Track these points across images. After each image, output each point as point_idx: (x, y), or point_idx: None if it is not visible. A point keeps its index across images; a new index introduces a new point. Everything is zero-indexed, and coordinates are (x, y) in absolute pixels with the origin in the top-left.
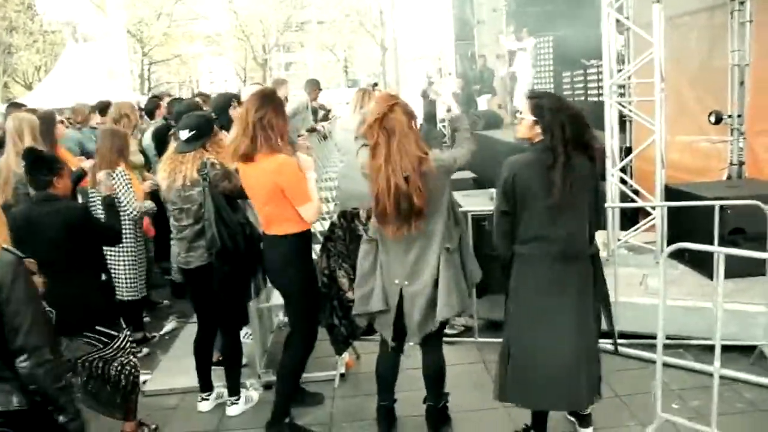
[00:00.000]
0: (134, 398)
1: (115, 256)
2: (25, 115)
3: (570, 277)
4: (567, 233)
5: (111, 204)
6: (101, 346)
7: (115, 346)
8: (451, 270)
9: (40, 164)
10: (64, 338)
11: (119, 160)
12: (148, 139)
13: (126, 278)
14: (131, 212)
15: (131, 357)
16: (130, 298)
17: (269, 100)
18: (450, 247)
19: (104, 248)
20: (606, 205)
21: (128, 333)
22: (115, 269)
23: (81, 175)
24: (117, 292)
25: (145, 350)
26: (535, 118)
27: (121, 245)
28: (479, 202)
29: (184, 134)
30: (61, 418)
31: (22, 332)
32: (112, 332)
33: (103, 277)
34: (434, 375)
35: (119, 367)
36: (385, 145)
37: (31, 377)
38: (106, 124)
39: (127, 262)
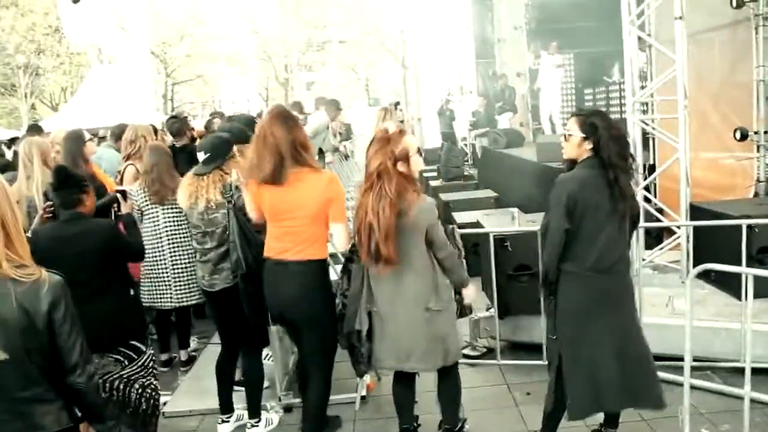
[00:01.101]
0: (155, 421)
1: (165, 260)
2: (35, 139)
3: (619, 288)
4: (620, 247)
5: (133, 222)
6: (127, 363)
7: (139, 364)
8: (429, 330)
9: (70, 182)
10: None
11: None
12: None
13: (179, 283)
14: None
15: (152, 379)
16: (180, 304)
17: (292, 120)
18: (431, 306)
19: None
20: None
21: (152, 352)
22: (167, 274)
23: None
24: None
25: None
26: (584, 135)
27: (171, 248)
28: (501, 222)
29: (201, 156)
30: (101, 428)
31: (75, 350)
32: (141, 347)
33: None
34: (446, 398)
35: (140, 390)
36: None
37: (87, 392)
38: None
39: (177, 266)
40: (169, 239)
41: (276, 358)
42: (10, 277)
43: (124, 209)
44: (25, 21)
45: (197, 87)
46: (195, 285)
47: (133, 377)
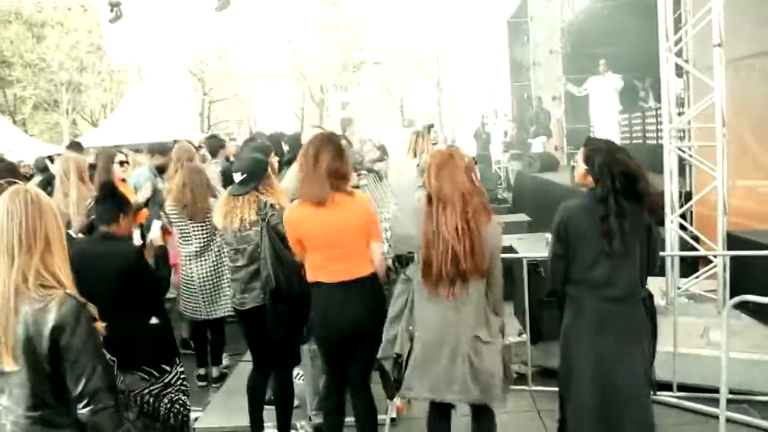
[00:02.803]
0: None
1: (193, 275)
2: (72, 156)
3: (620, 318)
4: (617, 278)
5: (164, 255)
6: (154, 380)
7: (165, 382)
8: (475, 361)
9: (113, 199)
10: (119, 372)
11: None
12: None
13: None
14: None
15: (180, 395)
16: (214, 315)
17: (339, 148)
18: (481, 336)
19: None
20: (665, 253)
21: (181, 370)
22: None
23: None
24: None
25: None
26: (587, 167)
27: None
28: (534, 247)
29: (237, 177)
30: None
31: (83, 379)
32: (165, 367)
33: (155, 320)
34: None
35: (169, 405)
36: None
37: (92, 424)
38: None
39: (217, 278)
40: (197, 254)
41: (307, 377)
42: (29, 296)
43: (157, 242)
44: (69, 39)
45: (233, 105)
46: (224, 298)
47: (161, 393)
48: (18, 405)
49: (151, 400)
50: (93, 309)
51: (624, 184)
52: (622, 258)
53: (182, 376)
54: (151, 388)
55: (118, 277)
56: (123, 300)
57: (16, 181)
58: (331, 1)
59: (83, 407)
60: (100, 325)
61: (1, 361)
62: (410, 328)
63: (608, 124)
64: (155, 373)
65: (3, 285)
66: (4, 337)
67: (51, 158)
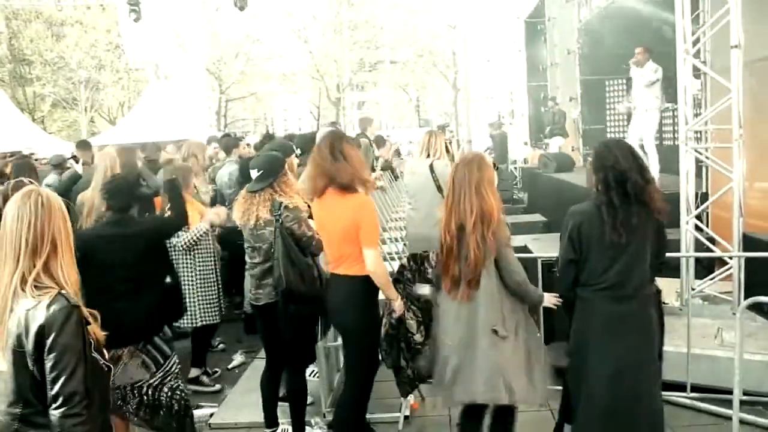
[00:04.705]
0: (189, 421)
1: (187, 279)
2: (109, 152)
3: (632, 317)
4: (628, 279)
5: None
6: (154, 369)
7: (165, 369)
8: (494, 356)
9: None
10: (123, 359)
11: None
12: (224, 177)
13: (199, 302)
14: (180, 245)
15: (179, 382)
16: (204, 323)
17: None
18: (498, 330)
19: (178, 273)
20: (680, 254)
21: (176, 360)
22: (188, 293)
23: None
24: (190, 319)
25: (217, 386)
26: (593, 172)
27: (192, 269)
28: (549, 247)
29: (254, 173)
30: None
31: (60, 380)
32: (166, 349)
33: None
34: None
35: (169, 393)
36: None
37: (60, 426)
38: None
39: (198, 286)
40: (185, 262)
41: (321, 374)
42: (24, 297)
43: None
44: (88, 38)
45: (250, 104)
46: (209, 306)
47: (159, 382)
48: (1, 401)
49: (151, 391)
50: (87, 312)
51: (628, 189)
52: (632, 259)
53: (178, 364)
54: (151, 380)
55: (138, 254)
56: (144, 276)
57: (31, 180)
58: (348, 0)
59: (55, 408)
60: (98, 332)
61: None
62: (442, 337)
63: (642, 122)
64: (159, 357)
65: (4, 286)
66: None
67: (75, 157)
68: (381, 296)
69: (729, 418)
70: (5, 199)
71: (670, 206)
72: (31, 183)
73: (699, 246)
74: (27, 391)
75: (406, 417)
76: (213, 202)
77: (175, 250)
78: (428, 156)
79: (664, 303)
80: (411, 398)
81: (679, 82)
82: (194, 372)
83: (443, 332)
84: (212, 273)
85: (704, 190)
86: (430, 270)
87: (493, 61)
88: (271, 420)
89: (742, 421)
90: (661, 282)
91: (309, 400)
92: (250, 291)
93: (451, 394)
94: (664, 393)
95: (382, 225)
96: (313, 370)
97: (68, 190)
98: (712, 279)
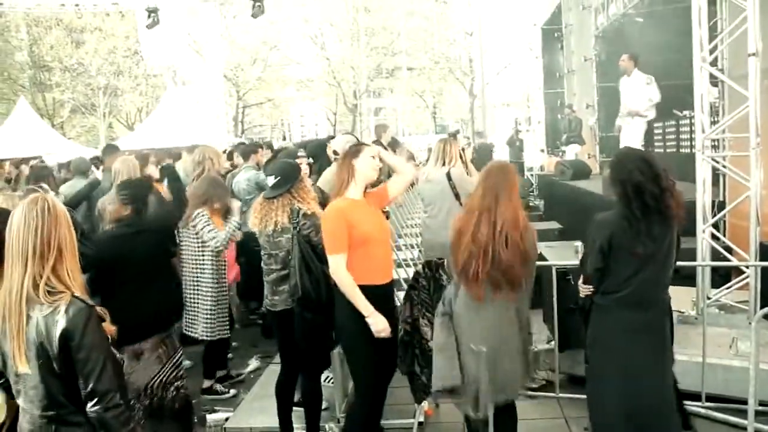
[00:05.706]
0: (191, 418)
1: (193, 295)
2: (129, 159)
3: (649, 327)
4: (648, 289)
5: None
6: (165, 361)
7: (174, 362)
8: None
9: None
10: (145, 354)
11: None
12: (242, 183)
13: (206, 318)
14: (217, 245)
15: (184, 382)
16: (207, 337)
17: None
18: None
19: (184, 288)
20: (696, 263)
21: (181, 354)
22: (193, 309)
23: None
24: (193, 331)
25: (233, 391)
26: (610, 182)
27: (201, 285)
28: (564, 255)
29: (271, 180)
30: None
31: (92, 378)
32: (176, 343)
33: None
34: None
35: (174, 392)
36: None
37: (101, 421)
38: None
39: (207, 302)
40: (190, 273)
41: (336, 380)
42: (39, 302)
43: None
44: (106, 44)
45: (267, 110)
46: (217, 321)
47: (169, 381)
48: (33, 405)
49: (160, 390)
50: (101, 310)
51: (647, 199)
52: (656, 268)
53: (183, 356)
54: (162, 376)
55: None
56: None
57: (43, 186)
58: (364, 6)
59: (93, 405)
60: (111, 328)
61: (15, 362)
62: (470, 345)
63: (630, 133)
64: (169, 349)
65: (16, 291)
66: (17, 340)
67: (96, 164)
68: (397, 302)
69: (744, 428)
70: None
71: (687, 214)
72: (40, 188)
73: (715, 255)
74: (58, 394)
75: (420, 423)
76: None
77: (202, 256)
78: (444, 164)
79: (680, 312)
80: (425, 404)
81: (695, 90)
82: (207, 383)
83: (470, 339)
84: (226, 286)
85: (721, 199)
86: (444, 277)
87: (509, 68)
88: (285, 425)
89: (757, 431)
90: (677, 291)
91: (324, 405)
92: (266, 296)
93: (487, 396)
94: None
95: (397, 231)
96: (328, 376)
97: (87, 197)
98: (728, 288)
